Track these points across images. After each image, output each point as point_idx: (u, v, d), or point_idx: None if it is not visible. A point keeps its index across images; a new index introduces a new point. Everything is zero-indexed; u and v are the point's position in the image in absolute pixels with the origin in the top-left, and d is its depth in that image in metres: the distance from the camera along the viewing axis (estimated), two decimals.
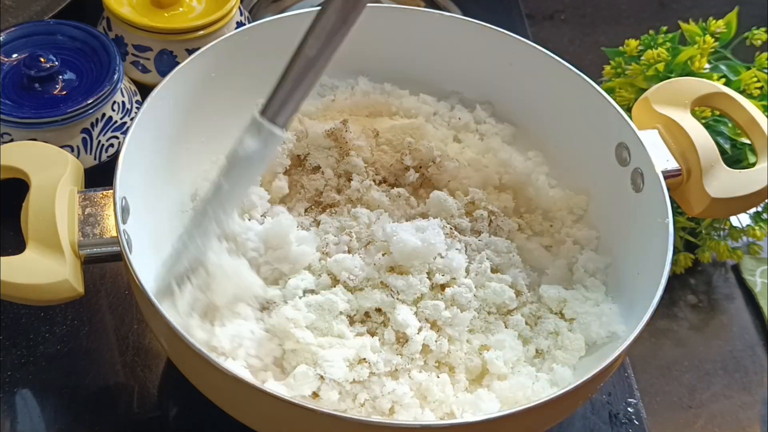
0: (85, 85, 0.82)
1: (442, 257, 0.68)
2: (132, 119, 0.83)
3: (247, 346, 0.62)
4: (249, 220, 0.71)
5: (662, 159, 0.73)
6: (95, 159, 0.82)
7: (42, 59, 0.81)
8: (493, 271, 0.70)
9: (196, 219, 0.65)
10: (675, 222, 0.66)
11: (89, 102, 0.80)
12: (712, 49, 0.92)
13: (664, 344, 0.88)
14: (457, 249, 0.69)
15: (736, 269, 0.95)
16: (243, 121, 0.74)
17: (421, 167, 0.77)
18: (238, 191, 0.65)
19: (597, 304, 0.69)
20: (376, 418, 0.60)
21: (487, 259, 0.70)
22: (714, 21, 0.94)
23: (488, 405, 0.62)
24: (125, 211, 0.64)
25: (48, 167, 0.65)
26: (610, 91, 0.92)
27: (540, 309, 0.70)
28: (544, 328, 0.69)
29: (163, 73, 0.72)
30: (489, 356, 0.66)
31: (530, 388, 0.64)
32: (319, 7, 0.60)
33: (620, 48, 0.97)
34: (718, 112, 0.87)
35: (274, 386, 0.60)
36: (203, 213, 0.64)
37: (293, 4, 1.05)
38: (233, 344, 0.61)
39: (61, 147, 0.73)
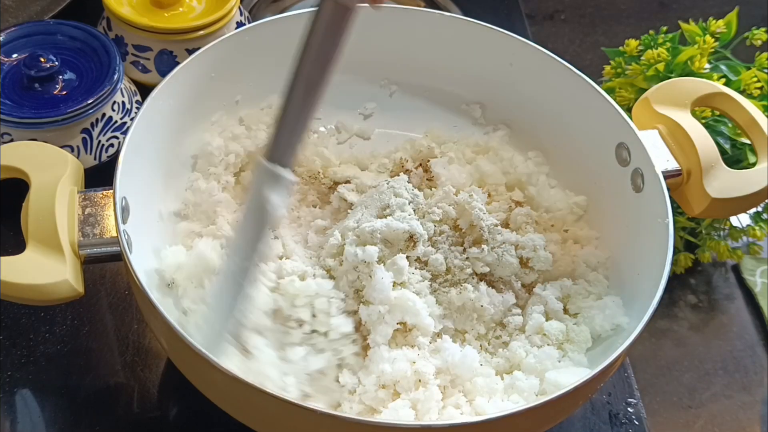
0: (85, 85, 0.82)
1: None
2: (132, 119, 0.83)
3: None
4: None
5: (662, 159, 0.73)
6: (95, 159, 0.82)
7: (42, 59, 0.80)
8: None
9: (228, 286, 0.62)
10: (675, 222, 0.66)
11: (89, 102, 0.80)
12: (712, 49, 0.92)
13: (664, 344, 0.88)
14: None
15: (736, 269, 0.95)
16: (233, 120, 0.74)
17: (420, 166, 0.77)
18: (257, 250, 0.62)
19: (600, 298, 0.70)
20: (375, 418, 0.60)
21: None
22: (714, 21, 0.94)
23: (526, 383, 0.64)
24: (125, 211, 0.64)
25: (48, 167, 0.65)
26: (610, 91, 0.92)
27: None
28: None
29: (163, 73, 0.72)
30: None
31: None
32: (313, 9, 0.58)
33: (620, 48, 0.97)
34: (718, 112, 0.87)
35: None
36: (235, 280, 0.62)
37: (293, 4, 1.05)
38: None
39: (61, 147, 0.73)
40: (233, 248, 0.62)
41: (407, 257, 0.68)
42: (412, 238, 0.67)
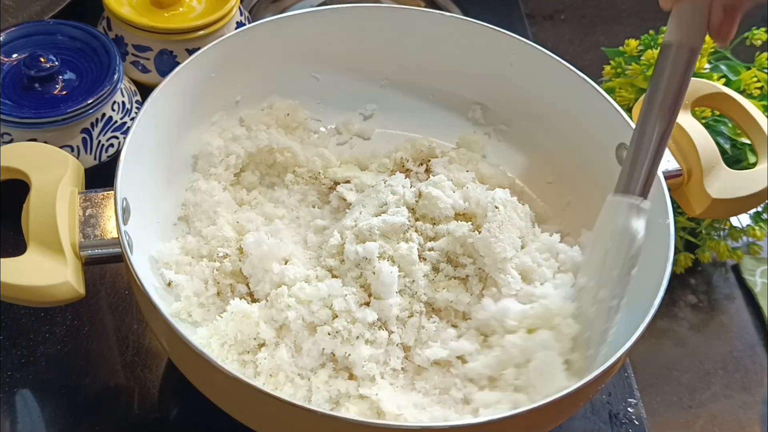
0: (85, 85, 0.82)
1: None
2: (132, 119, 0.83)
3: None
4: None
5: (663, 159, 0.73)
6: (95, 159, 0.82)
7: (42, 59, 0.80)
8: None
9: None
10: (675, 222, 0.66)
11: (89, 102, 0.80)
12: (712, 49, 0.92)
13: (664, 344, 0.88)
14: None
15: (736, 269, 0.95)
16: (233, 121, 0.75)
17: (422, 163, 0.78)
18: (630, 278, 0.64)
19: None
20: (376, 420, 0.60)
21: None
22: None
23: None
24: (126, 211, 0.64)
25: (48, 168, 0.65)
26: (610, 91, 0.92)
27: None
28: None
29: (163, 73, 0.72)
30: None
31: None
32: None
33: (620, 48, 0.97)
34: (718, 112, 0.87)
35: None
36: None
37: (293, 4, 1.05)
38: None
39: (61, 147, 0.73)
40: (598, 283, 0.63)
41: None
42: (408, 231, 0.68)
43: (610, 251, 0.62)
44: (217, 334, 0.64)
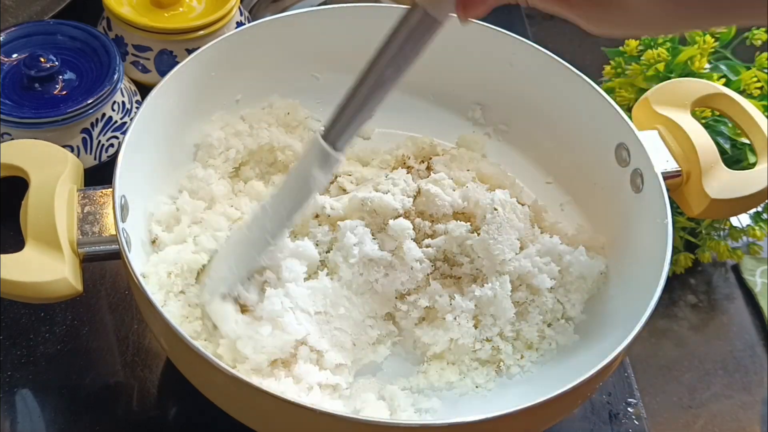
0: (85, 85, 0.82)
1: None
2: (132, 119, 0.83)
3: None
4: None
5: (662, 160, 0.73)
6: (95, 159, 0.82)
7: (42, 59, 0.80)
8: None
9: (243, 242, 0.65)
10: (675, 222, 0.66)
11: (89, 102, 0.80)
12: (712, 49, 0.92)
13: (664, 344, 0.88)
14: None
15: (736, 269, 0.95)
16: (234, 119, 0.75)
17: (423, 161, 0.78)
18: (292, 218, 0.65)
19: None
20: (375, 417, 0.60)
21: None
22: None
23: None
24: (124, 209, 0.64)
25: (47, 165, 0.65)
26: (610, 91, 0.92)
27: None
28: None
29: (163, 73, 0.72)
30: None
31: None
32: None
33: (620, 48, 0.97)
34: (718, 112, 0.87)
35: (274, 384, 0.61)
36: (252, 238, 0.64)
37: (293, 4, 1.05)
38: None
39: (61, 147, 0.73)
40: (264, 210, 0.64)
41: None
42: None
43: (288, 189, 0.63)
44: (163, 262, 0.66)
